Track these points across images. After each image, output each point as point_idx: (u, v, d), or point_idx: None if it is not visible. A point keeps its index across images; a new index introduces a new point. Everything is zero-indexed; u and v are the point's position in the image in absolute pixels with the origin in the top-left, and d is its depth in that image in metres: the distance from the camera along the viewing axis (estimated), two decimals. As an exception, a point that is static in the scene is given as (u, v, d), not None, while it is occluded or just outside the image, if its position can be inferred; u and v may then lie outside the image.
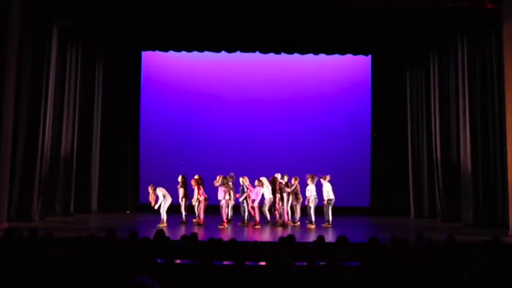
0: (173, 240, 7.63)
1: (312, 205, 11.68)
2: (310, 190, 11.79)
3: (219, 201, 11.85)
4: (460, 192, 12.69)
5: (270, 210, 12.04)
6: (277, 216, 11.89)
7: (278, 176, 12.28)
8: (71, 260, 4.99)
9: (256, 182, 11.91)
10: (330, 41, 14.15)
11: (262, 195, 11.83)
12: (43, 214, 12.17)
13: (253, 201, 11.81)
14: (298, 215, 11.95)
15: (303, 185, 12.07)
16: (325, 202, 11.85)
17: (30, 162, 11.79)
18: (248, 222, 11.95)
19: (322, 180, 12.02)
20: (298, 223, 11.84)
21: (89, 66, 14.54)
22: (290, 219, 11.82)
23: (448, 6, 11.55)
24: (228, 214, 11.90)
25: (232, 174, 12.33)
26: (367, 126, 15.52)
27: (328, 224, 11.70)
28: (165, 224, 11.33)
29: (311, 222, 11.55)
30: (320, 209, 11.97)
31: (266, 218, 11.93)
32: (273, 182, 12.15)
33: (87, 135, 14.53)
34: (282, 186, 11.88)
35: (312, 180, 11.85)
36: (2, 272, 4.64)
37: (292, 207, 12.02)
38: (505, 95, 11.06)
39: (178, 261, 5.78)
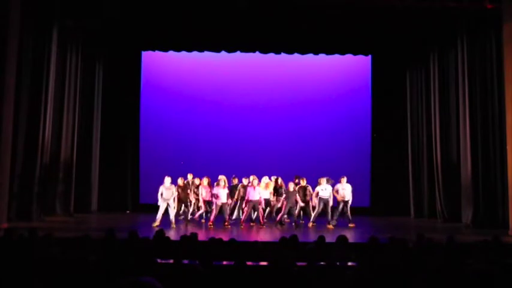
0: (173, 240, 7.63)
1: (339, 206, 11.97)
2: (337, 191, 12.04)
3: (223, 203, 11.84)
4: (460, 192, 12.70)
5: (264, 210, 12.06)
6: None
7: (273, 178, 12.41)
8: (71, 260, 4.98)
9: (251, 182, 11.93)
10: (330, 41, 14.17)
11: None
12: (43, 214, 12.17)
13: (250, 201, 11.81)
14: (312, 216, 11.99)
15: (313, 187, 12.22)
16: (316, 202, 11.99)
17: (30, 162, 11.78)
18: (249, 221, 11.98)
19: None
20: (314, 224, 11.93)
21: (89, 66, 14.53)
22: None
23: (448, 6, 11.56)
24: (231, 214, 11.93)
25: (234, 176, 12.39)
26: (367, 126, 15.52)
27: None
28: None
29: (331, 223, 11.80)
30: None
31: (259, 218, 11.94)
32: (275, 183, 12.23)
33: (87, 135, 14.53)
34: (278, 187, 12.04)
35: (328, 182, 12.02)
36: (2, 272, 4.64)
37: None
38: (505, 95, 11.06)
39: (178, 261, 5.77)
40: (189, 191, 12.06)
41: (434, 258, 5.59)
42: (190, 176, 12.52)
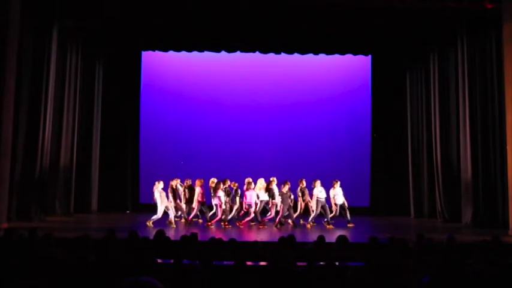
0: (173, 240, 7.63)
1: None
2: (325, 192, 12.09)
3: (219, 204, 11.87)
4: (460, 192, 12.69)
5: (262, 211, 12.08)
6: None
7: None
8: (71, 260, 4.98)
9: (246, 185, 11.92)
10: (330, 41, 14.18)
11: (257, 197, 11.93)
12: (43, 214, 12.16)
13: (249, 205, 11.82)
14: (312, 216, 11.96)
15: (310, 188, 12.17)
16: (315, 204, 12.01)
17: (30, 162, 11.78)
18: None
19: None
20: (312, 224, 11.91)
21: (89, 66, 14.54)
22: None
23: (448, 6, 11.56)
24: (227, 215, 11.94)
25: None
26: (367, 126, 15.53)
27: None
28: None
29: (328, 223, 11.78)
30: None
31: (257, 219, 11.94)
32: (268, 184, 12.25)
33: (87, 135, 14.53)
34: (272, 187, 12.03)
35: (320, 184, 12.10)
36: (2, 272, 4.64)
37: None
38: (505, 95, 11.06)
39: (178, 261, 5.77)
40: (176, 194, 12.04)
41: (434, 258, 5.59)
42: (176, 181, 12.28)
